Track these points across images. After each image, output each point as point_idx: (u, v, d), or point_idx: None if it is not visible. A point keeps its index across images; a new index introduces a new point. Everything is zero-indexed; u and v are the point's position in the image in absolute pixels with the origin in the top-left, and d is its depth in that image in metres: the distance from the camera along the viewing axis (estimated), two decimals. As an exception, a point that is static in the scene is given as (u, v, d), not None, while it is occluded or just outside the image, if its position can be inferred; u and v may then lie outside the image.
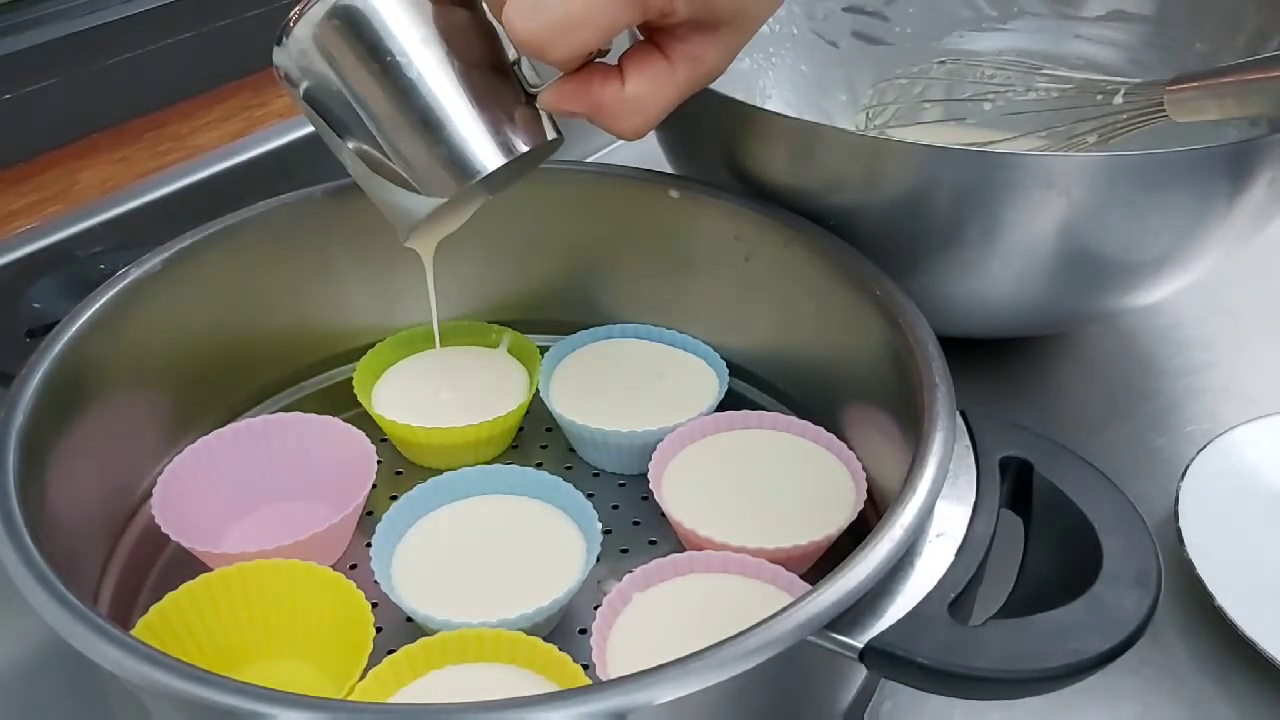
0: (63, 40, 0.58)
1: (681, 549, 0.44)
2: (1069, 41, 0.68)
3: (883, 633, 0.31)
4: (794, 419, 0.48)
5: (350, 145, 0.40)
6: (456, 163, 0.38)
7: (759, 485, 0.45)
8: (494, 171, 0.39)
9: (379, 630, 0.39)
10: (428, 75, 0.38)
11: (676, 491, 0.45)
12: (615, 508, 0.48)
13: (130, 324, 0.44)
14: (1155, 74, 0.55)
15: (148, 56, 0.62)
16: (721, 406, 0.49)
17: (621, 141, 0.76)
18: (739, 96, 0.49)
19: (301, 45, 0.39)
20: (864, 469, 0.45)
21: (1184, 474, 0.48)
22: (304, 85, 0.40)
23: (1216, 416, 0.55)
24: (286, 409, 0.51)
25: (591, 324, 0.54)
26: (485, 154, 0.38)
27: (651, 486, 0.45)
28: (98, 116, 0.61)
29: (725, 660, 0.29)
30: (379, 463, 0.46)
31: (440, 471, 0.46)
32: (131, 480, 0.45)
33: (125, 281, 0.44)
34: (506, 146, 0.39)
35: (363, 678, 0.37)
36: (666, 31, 0.36)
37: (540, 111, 0.40)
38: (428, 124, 0.38)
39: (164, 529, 0.42)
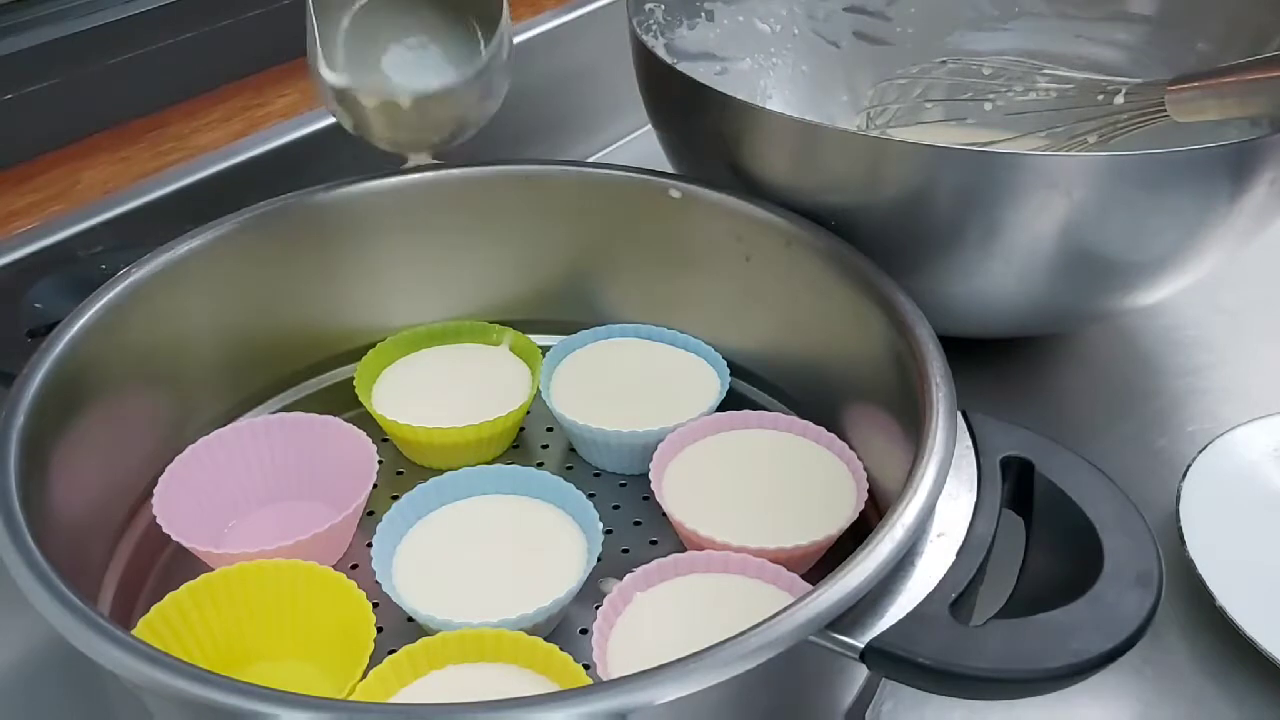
0: (63, 40, 0.58)
1: (682, 549, 0.44)
2: (1070, 41, 0.68)
3: (883, 633, 0.31)
4: (795, 419, 0.48)
5: None
6: None
7: (760, 485, 0.45)
8: None
9: (380, 630, 0.39)
10: None
11: (677, 491, 0.45)
12: (616, 508, 0.48)
13: (130, 324, 0.44)
14: (1156, 74, 0.55)
15: (148, 56, 0.62)
16: (722, 406, 0.49)
17: (622, 141, 0.76)
18: (740, 96, 0.49)
19: None
20: (865, 469, 0.45)
21: (1185, 474, 0.48)
22: None
23: (1217, 416, 0.55)
24: (286, 409, 0.51)
25: (592, 324, 0.54)
26: None
27: (652, 486, 0.45)
28: (99, 116, 0.61)
29: (726, 660, 0.29)
30: (380, 463, 0.46)
31: (441, 471, 0.46)
32: (132, 480, 0.45)
33: (125, 281, 0.44)
34: None
35: (364, 677, 0.37)
36: None
37: None
38: None
39: (164, 529, 0.42)
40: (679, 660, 0.29)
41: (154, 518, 0.42)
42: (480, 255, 0.53)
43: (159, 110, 0.64)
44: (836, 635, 0.31)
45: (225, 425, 0.47)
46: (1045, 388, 0.58)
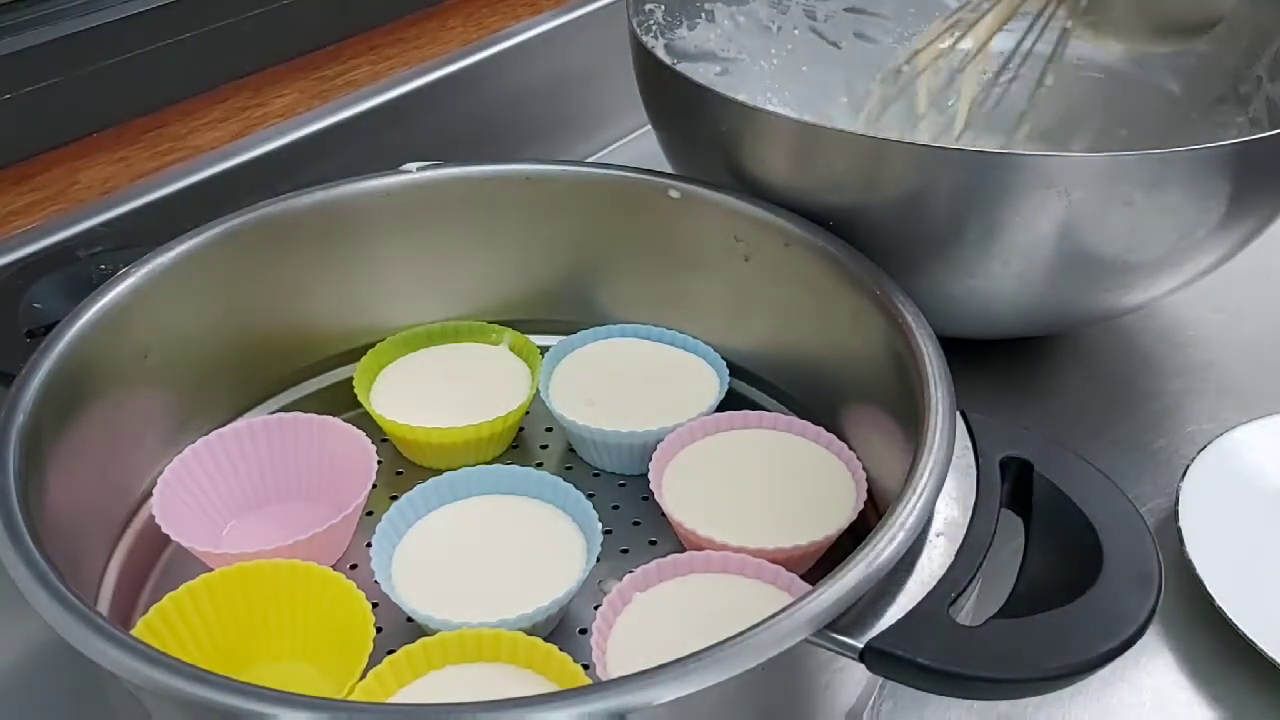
0: (63, 40, 0.58)
1: (681, 549, 0.44)
2: (1069, 41, 0.68)
3: (883, 633, 0.31)
4: (794, 419, 0.48)
5: None
6: None
7: (759, 485, 0.45)
8: None
9: (379, 630, 0.39)
10: None
11: (676, 491, 0.45)
12: (615, 508, 0.48)
13: (130, 324, 0.44)
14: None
15: (148, 56, 0.62)
16: (721, 406, 0.49)
17: (622, 141, 0.77)
18: (739, 97, 0.49)
19: None
20: (864, 469, 0.45)
21: (1184, 474, 0.48)
22: None
23: (1216, 416, 0.55)
24: (286, 409, 0.51)
25: (591, 324, 0.54)
26: None
27: (651, 486, 0.45)
28: (98, 116, 0.61)
29: (725, 660, 0.29)
30: (379, 463, 0.46)
31: (440, 471, 0.46)
32: (131, 480, 0.45)
33: (125, 281, 0.44)
34: None
35: (363, 678, 0.37)
36: None
37: None
38: None
39: (164, 529, 0.42)
40: (678, 660, 0.29)
41: (154, 518, 0.42)
42: (480, 255, 0.53)
43: (157, 110, 0.64)
44: (835, 635, 0.31)
45: (225, 425, 0.47)
46: (1045, 388, 0.58)
